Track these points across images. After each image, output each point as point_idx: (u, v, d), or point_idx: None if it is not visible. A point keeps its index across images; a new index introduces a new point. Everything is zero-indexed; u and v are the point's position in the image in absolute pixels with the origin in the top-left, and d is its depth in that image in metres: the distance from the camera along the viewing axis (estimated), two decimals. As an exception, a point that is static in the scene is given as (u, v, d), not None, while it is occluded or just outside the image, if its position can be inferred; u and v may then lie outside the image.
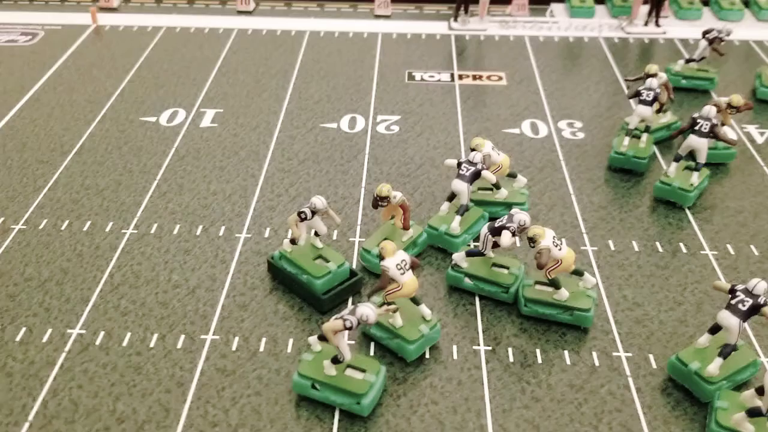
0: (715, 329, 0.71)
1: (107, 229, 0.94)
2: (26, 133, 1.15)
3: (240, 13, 1.60)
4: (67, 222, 0.95)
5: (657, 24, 1.47)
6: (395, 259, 0.73)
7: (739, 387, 0.71)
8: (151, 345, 0.77)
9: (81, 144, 1.12)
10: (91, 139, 1.14)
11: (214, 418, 0.69)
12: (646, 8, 1.49)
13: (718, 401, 0.67)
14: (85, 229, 0.94)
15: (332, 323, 0.67)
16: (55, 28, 1.51)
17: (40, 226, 0.95)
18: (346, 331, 0.67)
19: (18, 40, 1.46)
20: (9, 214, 0.97)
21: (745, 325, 0.69)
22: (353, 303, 0.80)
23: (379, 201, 0.84)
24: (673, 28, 1.50)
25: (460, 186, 0.88)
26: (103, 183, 1.03)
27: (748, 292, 0.69)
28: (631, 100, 1.06)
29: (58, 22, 1.54)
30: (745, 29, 1.49)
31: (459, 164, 0.90)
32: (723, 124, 1.04)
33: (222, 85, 1.29)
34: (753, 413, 0.64)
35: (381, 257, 0.74)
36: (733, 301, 0.69)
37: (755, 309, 0.68)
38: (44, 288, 0.85)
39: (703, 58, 1.23)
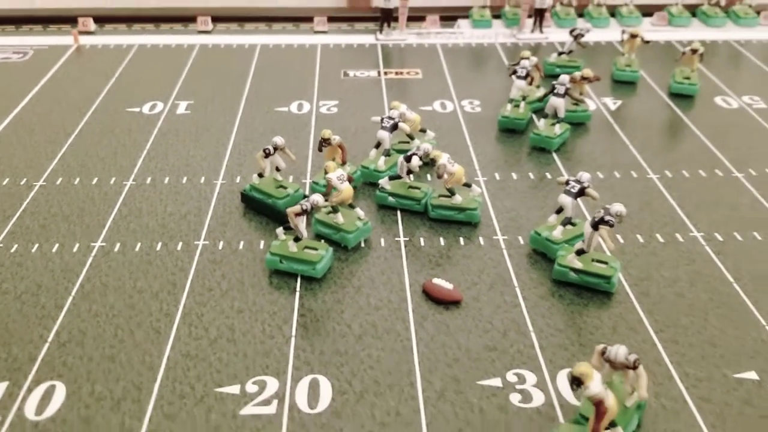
0: (558, 210, 1.03)
1: (111, 182, 1.21)
2: (33, 122, 1.41)
3: (200, 32, 1.90)
4: (78, 179, 1.22)
5: (541, 31, 1.83)
6: (336, 173, 1.03)
7: (579, 250, 1.02)
8: (158, 249, 1.05)
9: (80, 129, 1.39)
10: (88, 125, 1.41)
11: (209, 286, 0.97)
12: (531, 20, 1.85)
13: (559, 252, 0.98)
14: (93, 183, 1.21)
15: (293, 207, 0.96)
16: (43, 48, 1.79)
17: (57, 182, 1.21)
18: (304, 215, 0.96)
19: (11, 58, 1.72)
20: (31, 175, 1.23)
21: (578, 202, 1.01)
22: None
23: (322, 143, 1.13)
24: (553, 33, 1.87)
25: (383, 134, 1.19)
26: (102, 153, 1.30)
27: (577, 181, 1.01)
28: (512, 77, 1.39)
29: (45, 43, 1.82)
30: (611, 32, 1.87)
31: (382, 119, 1.20)
32: (581, 93, 1.39)
33: (191, 85, 1.58)
34: (579, 252, 0.95)
35: (326, 172, 1.03)
36: (567, 187, 1.01)
37: (582, 191, 1.00)
38: (68, 220, 1.11)
39: (571, 51, 1.59)
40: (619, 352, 0.72)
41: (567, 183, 1.02)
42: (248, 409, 0.79)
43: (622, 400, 0.76)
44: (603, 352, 0.73)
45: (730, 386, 0.82)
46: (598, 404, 0.66)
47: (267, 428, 0.77)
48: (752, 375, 0.84)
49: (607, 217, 0.91)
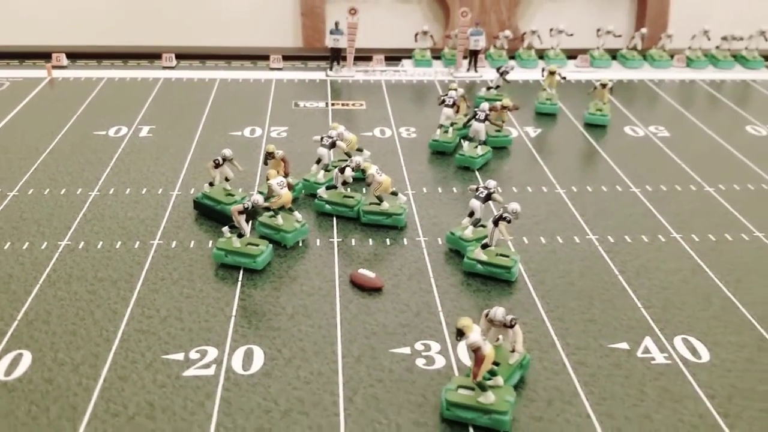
0: (470, 213, 1.18)
1: (78, 193, 1.34)
2: (8, 143, 1.55)
3: (165, 68, 2.06)
4: (48, 189, 1.35)
5: (476, 70, 2.03)
6: (276, 180, 1.18)
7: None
8: (117, 247, 1.18)
9: (51, 148, 1.53)
10: (59, 145, 1.54)
11: (162, 276, 1.10)
12: (467, 61, 2.05)
13: (468, 248, 1.13)
14: (61, 193, 1.34)
15: (236, 206, 1.10)
16: (18, 80, 1.93)
17: (29, 192, 1.34)
18: (246, 213, 1.10)
19: (-13, 88, 1.86)
20: (5, 186, 1.36)
21: (486, 205, 1.17)
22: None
23: (267, 156, 1.29)
24: (487, 73, 2.06)
25: (322, 151, 1.34)
26: (71, 168, 1.44)
27: (485, 187, 1.17)
28: (441, 105, 1.56)
29: (20, 76, 1.96)
30: (538, 73, 2.06)
31: (321, 138, 1.36)
32: (503, 121, 1.56)
33: (154, 112, 1.73)
34: (484, 246, 1.10)
35: (267, 178, 1.18)
36: (477, 193, 1.17)
37: (489, 196, 1.16)
38: (38, 223, 1.24)
39: (498, 86, 1.77)
40: (498, 311, 0.86)
41: (477, 189, 1.18)
42: (190, 372, 0.92)
43: (506, 359, 0.90)
44: (487, 314, 0.88)
45: (604, 353, 0.97)
46: (476, 351, 0.81)
47: (206, 386, 0.90)
48: (624, 345, 0.99)
49: (505, 215, 1.07)
